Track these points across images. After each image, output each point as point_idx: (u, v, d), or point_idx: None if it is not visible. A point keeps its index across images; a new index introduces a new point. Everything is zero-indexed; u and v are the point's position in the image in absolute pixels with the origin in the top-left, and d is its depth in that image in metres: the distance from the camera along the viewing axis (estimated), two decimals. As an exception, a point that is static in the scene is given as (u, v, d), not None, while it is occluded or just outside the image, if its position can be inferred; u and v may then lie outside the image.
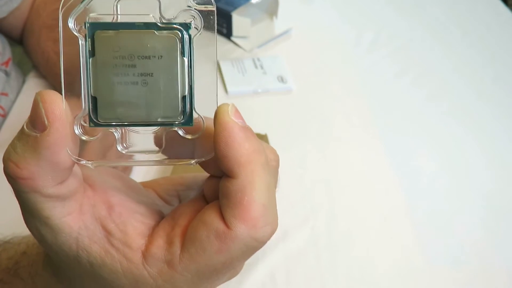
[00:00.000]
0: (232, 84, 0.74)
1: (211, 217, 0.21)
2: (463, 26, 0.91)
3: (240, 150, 0.21)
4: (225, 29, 0.84)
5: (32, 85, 0.72)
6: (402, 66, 0.81)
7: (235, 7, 0.83)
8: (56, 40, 0.68)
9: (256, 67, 0.77)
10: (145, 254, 0.22)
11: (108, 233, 0.22)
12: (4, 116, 0.67)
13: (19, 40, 0.75)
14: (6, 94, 0.69)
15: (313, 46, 0.84)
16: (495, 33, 0.90)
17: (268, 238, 0.22)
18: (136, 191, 0.26)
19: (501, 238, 0.56)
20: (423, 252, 0.54)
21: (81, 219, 0.22)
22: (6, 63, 0.69)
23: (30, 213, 0.21)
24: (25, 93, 0.71)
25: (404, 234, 0.55)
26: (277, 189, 0.24)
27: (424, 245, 0.54)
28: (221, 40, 0.85)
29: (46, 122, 0.19)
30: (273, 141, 0.59)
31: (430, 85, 0.77)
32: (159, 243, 0.22)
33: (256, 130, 0.57)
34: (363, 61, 0.82)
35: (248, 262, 0.24)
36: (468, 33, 0.89)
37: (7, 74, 0.69)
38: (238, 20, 0.82)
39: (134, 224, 0.23)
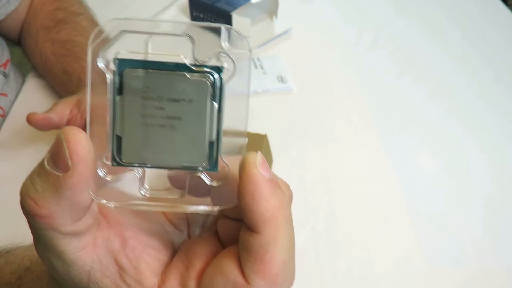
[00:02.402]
0: (232, 84, 0.74)
1: (229, 268, 0.21)
2: (463, 26, 0.91)
3: (267, 206, 0.20)
4: (225, 29, 0.84)
5: (32, 85, 0.72)
6: (402, 66, 0.81)
7: (235, 7, 0.83)
8: (54, 41, 0.68)
9: (256, 67, 0.77)
10: None
11: (120, 268, 0.22)
12: (4, 116, 0.67)
13: (17, 41, 0.75)
14: (5, 95, 0.69)
15: (313, 46, 0.84)
16: (495, 33, 0.90)
17: None
18: (147, 218, 0.25)
19: (501, 238, 0.56)
20: (423, 252, 0.54)
21: (94, 252, 0.21)
22: (5, 65, 0.69)
23: (43, 245, 0.21)
24: (25, 93, 0.71)
25: (404, 234, 0.55)
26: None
27: (424, 245, 0.54)
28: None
29: (69, 163, 0.19)
30: (273, 141, 0.59)
31: (430, 85, 0.77)
32: (173, 284, 0.22)
33: (256, 130, 0.57)
34: (363, 61, 0.82)
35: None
36: (468, 33, 0.89)
37: (5, 75, 0.69)
38: (238, 20, 0.82)
39: (147, 260, 0.22)
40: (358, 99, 0.74)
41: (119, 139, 0.21)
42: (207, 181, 0.22)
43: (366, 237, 0.55)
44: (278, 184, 0.21)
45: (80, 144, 0.19)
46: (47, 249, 0.21)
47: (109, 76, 0.20)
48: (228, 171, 0.22)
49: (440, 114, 0.72)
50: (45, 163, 0.19)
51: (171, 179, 0.23)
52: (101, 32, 0.20)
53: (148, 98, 0.20)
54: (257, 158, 0.20)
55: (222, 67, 0.21)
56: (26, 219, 0.20)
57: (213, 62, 0.21)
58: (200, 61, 0.20)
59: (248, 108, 0.21)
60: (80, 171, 0.19)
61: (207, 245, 0.23)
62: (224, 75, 0.21)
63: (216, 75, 0.20)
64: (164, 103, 0.20)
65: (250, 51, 0.21)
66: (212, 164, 0.21)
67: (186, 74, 0.20)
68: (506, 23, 0.93)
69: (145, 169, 0.22)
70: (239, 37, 0.21)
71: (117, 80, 0.20)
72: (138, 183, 0.22)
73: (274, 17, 0.88)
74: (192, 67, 0.20)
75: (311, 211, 0.56)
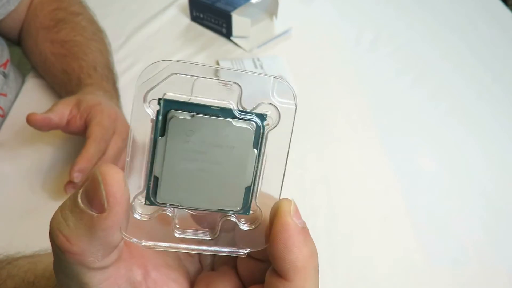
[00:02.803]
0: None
1: None
2: (463, 26, 0.91)
3: (299, 255, 0.20)
4: (225, 29, 0.84)
5: (32, 85, 0.72)
6: (402, 66, 0.81)
7: (235, 7, 0.83)
8: (53, 41, 0.68)
9: (256, 67, 0.77)
10: None
11: None
12: (4, 116, 0.67)
13: (16, 41, 0.75)
14: (5, 95, 0.69)
15: (313, 46, 0.84)
16: (495, 33, 0.90)
17: None
18: (171, 255, 0.25)
19: (501, 238, 0.56)
20: (423, 252, 0.54)
21: (116, 284, 0.21)
22: (4, 65, 0.69)
23: (66, 275, 0.21)
24: (25, 94, 0.71)
25: (404, 234, 0.55)
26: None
27: (424, 245, 0.54)
28: (221, 40, 0.85)
29: (105, 205, 0.18)
30: (273, 141, 0.59)
31: (430, 85, 0.77)
32: None
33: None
34: (363, 61, 0.82)
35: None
36: (468, 33, 0.89)
37: (5, 76, 0.69)
38: (238, 20, 0.82)
39: None
40: (358, 99, 0.74)
41: (156, 179, 0.20)
42: (242, 226, 0.22)
43: (366, 237, 0.55)
44: (309, 233, 0.21)
45: (118, 186, 0.19)
46: (69, 279, 0.21)
47: (152, 116, 0.20)
48: (261, 216, 0.22)
49: (440, 114, 0.72)
50: (79, 200, 0.19)
51: (195, 218, 0.23)
52: (149, 70, 0.20)
53: (191, 142, 0.20)
54: (291, 206, 0.21)
55: (266, 115, 0.21)
56: (52, 249, 0.20)
57: (259, 111, 0.21)
58: (245, 108, 0.21)
59: (287, 158, 0.22)
60: (116, 213, 0.19)
61: (227, 281, 0.23)
62: (267, 123, 0.21)
63: (259, 122, 0.21)
64: (206, 147, 0.20)
65: (296, 104, 0.21)
66: (245, 209, 0.22)
67: (231, 120, 0.20)
68: (506, 23, 0.93)
69: (177, 209, 0.22)
70: (287, 89, 0.21)
71: (160, 120, 0.20)
72: (172, 223, 0.22)
73: (274, 17, 0.88)
74: (237, 113, 0.21)
75: (311, 211, 0.56)
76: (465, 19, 0.93)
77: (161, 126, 0.20)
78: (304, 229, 0.21)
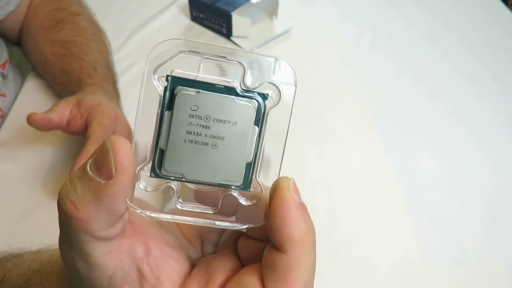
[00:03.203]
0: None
1: (252, 284, 0.21)
2: (463, 26, 0.91)
3: (296, 228, 0.21)
4: (225, 29, 0.84)
5: (32, 86, 0.72)
6: (402, 66, 0.81)
7: (235, 7, 0.83)
8: (53, 41, 0.68)
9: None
10: None
11: (141, 276, 0.22)
12: (3, 116, 0.67)
13: (16, 42, 0.75)
14: (4, 95, 0.69)
15: (313, 46, 0.84)
16: (495, 33, 0.90)
17: None
18: (168, 230, 0.26)
19: (501, 238, 0.56)
20: (423, 252, 0.54)
21: (118, 258, 0.22)
22: (3, 65, 0.69)
23: (71, 246, 0.21)
24: (25, 94, 0.71)
25: (404, 234, 0.55)
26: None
27: (424, 245, 0.54)
28: (221, 40, 0.85)
29: (113, 172, 0.19)
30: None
31: (430, 85, 0.77)
32: None
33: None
34: (363, 61, 0.82)
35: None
36: (468, 33, 0.89)
37: (3, 76, 0.69)
38: (238, 20, 0.82)
39: (168, 270, 0.23)
40: (358, 99, 0.74)
41: (161, 152, 0.22)
42: (242, 200, 0.23)
43: (366, 237, 0.55)
44: (307, 210, 0.22)
45: (126, 154, 0.19)
46: (74, 250, 0.21)
47: (160, 92, 0.21)
48: (261, 192, 0.23)
49: (440, 114, 0.72)
50: (88, 168, 0.20)
51: (197, 194, 0.23)
52: (159, 48, 0.21)
53: (196, 116, 0.21)
54: (290, 182, 0.21)
55: (267, 94, 0.22)
56: (58, 218, 0.21)
57: (261, 90, 0.22)
58: (248, 87, 0.22)
59: (286, 138, 0.23)
60: (123, 180, 0.19)
61: (227, 261, 0.24)
62: (268, 103, 0.22)
63: (261, 101, 0.22)
64: (210, 122, 0.21)
65: (296, 85, 0.23)
66: (246, 184, 0.23)
67: (234, 97, 0.22)
68: (506, 23, 0.93)
69: (181, 183, 0.23)
70: (288, 70, 0.23)
71: (168, 95, 0.21)
72: (174, 196, 0.23)
73: (274, 17, 0.88)
74: (240, 92, 0.22)
75: (311, 211, 0.56)
76: (465, 19, 0.93)
77: (168, 101, 0.21)
78: (302, 205, 0.22)
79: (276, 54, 0.83)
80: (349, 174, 0.62)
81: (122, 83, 0.69)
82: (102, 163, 0.19)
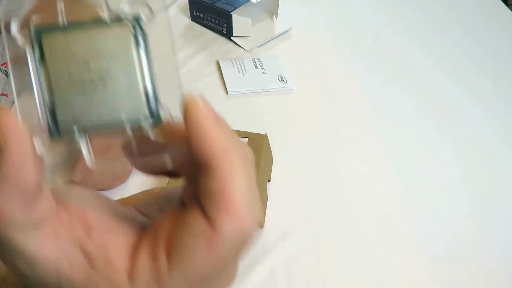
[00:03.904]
0: (232, 84, 0.74)
1: (194, 220, 0.19)
2: (464, 26, 0.91)
3: (216, 140, 0.19)
4: (225, 29, 0.84)
5: (32, 85, 0.72)
6: (402, 66, 0.81)
7: (235, 7, 0.83)
8: None
9: (256, 67, 0.77)
10: (131, 274, 0.20)
11: (88, 257, 0.20)
12: (4, 116, 0.67)
13: None
14: (6, 95, 0.69)
15: (313, 46, 0.84)
16: (495, 33, 0.90)
17: (255, 229, 0.20)
18: (112, 207, 0.23)
19: (501, 238, 0.56)
20: (423, 252, 0.54)
21: (58, 246, 0.20)
22: (6, 64, 0.69)
23: (4, 248, 0.19)
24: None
25: (404, 234, 0.55)
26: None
27: (424, 245, 0.54)
28: (221, 40, 0.85)
29: (2, 142, 0.17)
30: (273, 141, 0.59)
31: (431, 85, 0.77)
32: (144, 260, 0.20)
33: (256, 130, 0.57)
34: (363, 61, 0.82)
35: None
36: (468, 33, 0.89)
37: (7, 75, 0.69)
38: (238, 20, 0.82)
39: (115, 243, 0.21)
40: (358, 99, 0.74)
41: (51, 111, 0.19)
42: (153, 138, 0.21)
43: (366, 237, 0.55)
44: (225, 122, 0.20)
45: (9, 119, 0.18)
46: (6, 250, 0.19)
47: (28, 48, 0.19)
48: (172, 119, 0.21)
49: (440, 114, 0.72)
50: None
51: (124, 148, 0.21)
52: (9, 2, 0.19)
53: (72, 61, 0.19)
54: (198, 97, 0.19)
55: (139, 14, 0.20)
56: None
57: (130, 11, 0.20)
58: (116, 12, 0.20)
59: (174, 50, 0.21)
60: (16, 148, 0.17)
61: (174, 214, 0.21)
62: (143, 22, 0.20)
63: (134, 22, 0.20)
64: (90, 62, 0.19)
65: None
66: (154, 115, 0.20)
67: (105, 28, 0.20)
68: (506, 23, 0.93)
69: (89, 141, 0.20)
70: None
71: (36, 48, 0.19)
72: (85, 155, 0.20)
73: (274, 17, 0.88)
74: (109, 21, 0.20)
75: (311, 211, 0.56)
76: (466, 19, 0.93)
77: (38, 53, 0.19)
78: (219, 118, 0.20)
79: (276, 54, 0.83)
80: (349, 174, 0.62)
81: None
82: None
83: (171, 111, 0.20)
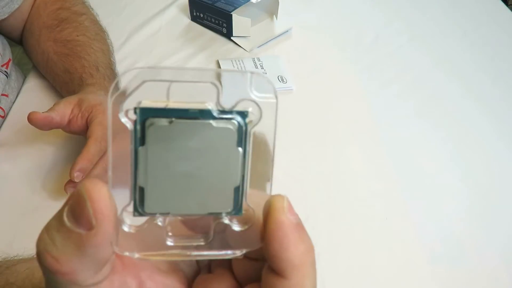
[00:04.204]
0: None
1: None
2: (463, 26, 0.91)
3: (295, 252, 0.20)
4: (225, 29, 0.84)
5: (32, 86, 0.73)
6: (402, 66, 0.81)
7: (235, 7, 0.83)
8: (56, 40, 0.69)
9: (256, 67, 0.77)
10: None
11: None
12: (4, 117, 0.67)
13: (19, 40, 0.75)
14: (6, 95, 0.69)
15: (313, 46, 0.84)
16: (495, 33, 0.90)
17: None
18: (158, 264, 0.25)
19: (502, 238, 0.56)
20: (423, 252, 0.54)
21: None
22: (6, 64, 0.70)
23: None
24: (25, 94, 0.71)
25: (404, 234, 0.55)
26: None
27: (424, 245, 0.54)
28: (221, 40, 0.85)
29: (94, 222, 0.18)
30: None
31: (431, 84, 0.77)
32: None
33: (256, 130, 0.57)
34: (363, 60, 0.82)
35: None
36: (468, 33, 0.89)
37: (7, 75, 0.69)
38: (238, 20, 0.82)
39: None
40: (358, 99, 0.74)
41: (141, 190, 0.20)
42: (235, 226, 0.22)
43: (366, 237, 0.55)
44: (304, 229, 0.21)
45: (104, 201, 0.18)
46: None
47: (130, 127, 0.19)
48: (253, 215, 0.21)
49: (440, 114, 0.72)
50: (65, 219, 0.18)
51: (187, 224, 0.22)
52: (122, 80, 0.20)
53: (172, 148, 0.20)
54: (284, 203, 0.20)
55: (247, 112, 0.20)
56: (41, 269, 0.19)
57: (239, 108, 0.20)
58: (225, 108, 0.20)
59: (274, 152, 0.22)
60: (105, 229, 0.18)
61: (224, 283, 0.23)
62: (249, 121, 0.21)
63: (240, 120, 0.20)
64: (189, 152, 0.20)
65: (276, 97, 0.21)
66: (237, 209, 0.21)
67: (211, 121, 0.20)
68: (506, 23, 0.93)
69: (168, 217, 0.21)
70: (266, 83, 0.21)
71: (139, 130, 0.19)
72: (163, 232, 0.21)
73: (274, 17, 0.88)
74: (216, 114, 0.20)
75: (311, 211, 0.56)
76: (466, 19, 0.93)
77: (140, 135, 0.19)
78: (299, 225, 0.20)
79: (276, 54, 0.83)
80: (349, 174, 0.62)
81: (123, 83, 0.69)
82: (80, 214, 0.18)
83: (255, 209, 0.21)
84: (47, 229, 0.19)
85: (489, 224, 0.57)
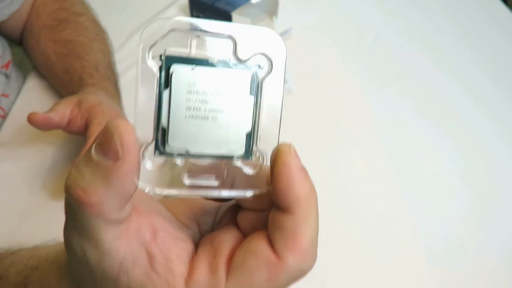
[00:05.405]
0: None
1: (261, 248, 0.22)
2: (463, 26, 0.91)
3: (301, 189, 0.22)
4: (225, 29, 0.84)
5: (33, 86, 0.73)
6: (402, 66, 0.81)
7: (235, 7, 0.83)
8: (56, 40, 0.69)
9: (256, 67, 0.77)
10: (188, 281, 0.22)
11: (151, 258, 0.22)
12: (4, 117, 0.67)
13: (18, 41, 0.75)
14: (6, 96, 0.69)
15: (313, 46, 0.84)
16: (495, 34, 0.90)
17: (311, 269, 0.23)
18: (172, 218, 0.26)
19: (502, 238, 0.56)
20: (423, 252, 0.54)
21: (128, 242, 0.22)
22: (6, 65, 0.70)
23: (80, 233, 0.21)
24: (25, 94, 0.71)
25: (404, 234, 0.55)
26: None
27: (424, 245, 0.54)
28: (221, 40, 0.85)
29: (120, 152, 0.20)
30: (273, 141, 0.59)
31: (431, 84, 0.77)
32: (202, 270, 0.23)
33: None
34: (363, 61, 0.82)
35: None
36: (468, 33, 0.89)
37: (7, 76, 0.69)
38: (238, 20, 0.82)
39: (176, 250, 0.23)
40: (358, 99, 0.74)
41: (163, 131, 0.22)
42: (245, 169, 0.24)
43: (366, 237, 0.55)
44: (307, 172, 0.23)
45: (130, 134, 0.20)
46: (84, 237, 0.21)
47: (156, 71, 0.22)
48: (262, 160, 0.24)
49: (440, 114, 0.72)
50: (93, 152, 0.20)
51: (201, 165, 0.24)
52: (150, 29, 0.21)
53: (193, 92, 0.22)
54: (291, 148, 0.23)
55: (260, 65, 0.23)
56: (65, 208, 0.21)
57: (253, 61, 0.23)
58: (240, 59, 0.23)
59: (282, 104, 0.24)
60: (131, 160, 0.20)
61: (230, 234, 0.24)
62: (261, 73, 0.23)
63: (254, 72, 0.23)
64: (208, 96, 0.22)
65: (286, 53, 0.23)
66: (248, 153, 0.23)
67: (229, 70, 0.22)
68: (506, 23, 0.93)
69: (188, 161, 0.23)
70: (278, 40, 0.23)
71: (164, 75, 0.22)
72: (181, 172, 0.23)
73: (274, 17, 0.88)
74: (233, 64, 0.22)
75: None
76: (466, 19, 0.93)
77: (164, 80, 0.22)
78: (304, 168, 0.23)
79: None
80: (349, 173, 0.62)
81: (123, 83, 0.70)
82: (108, 146, 0.20)
83: (265, 154, 0.24)
84: (76, 165, 0.20)
85: (489, 224, 0.57)
